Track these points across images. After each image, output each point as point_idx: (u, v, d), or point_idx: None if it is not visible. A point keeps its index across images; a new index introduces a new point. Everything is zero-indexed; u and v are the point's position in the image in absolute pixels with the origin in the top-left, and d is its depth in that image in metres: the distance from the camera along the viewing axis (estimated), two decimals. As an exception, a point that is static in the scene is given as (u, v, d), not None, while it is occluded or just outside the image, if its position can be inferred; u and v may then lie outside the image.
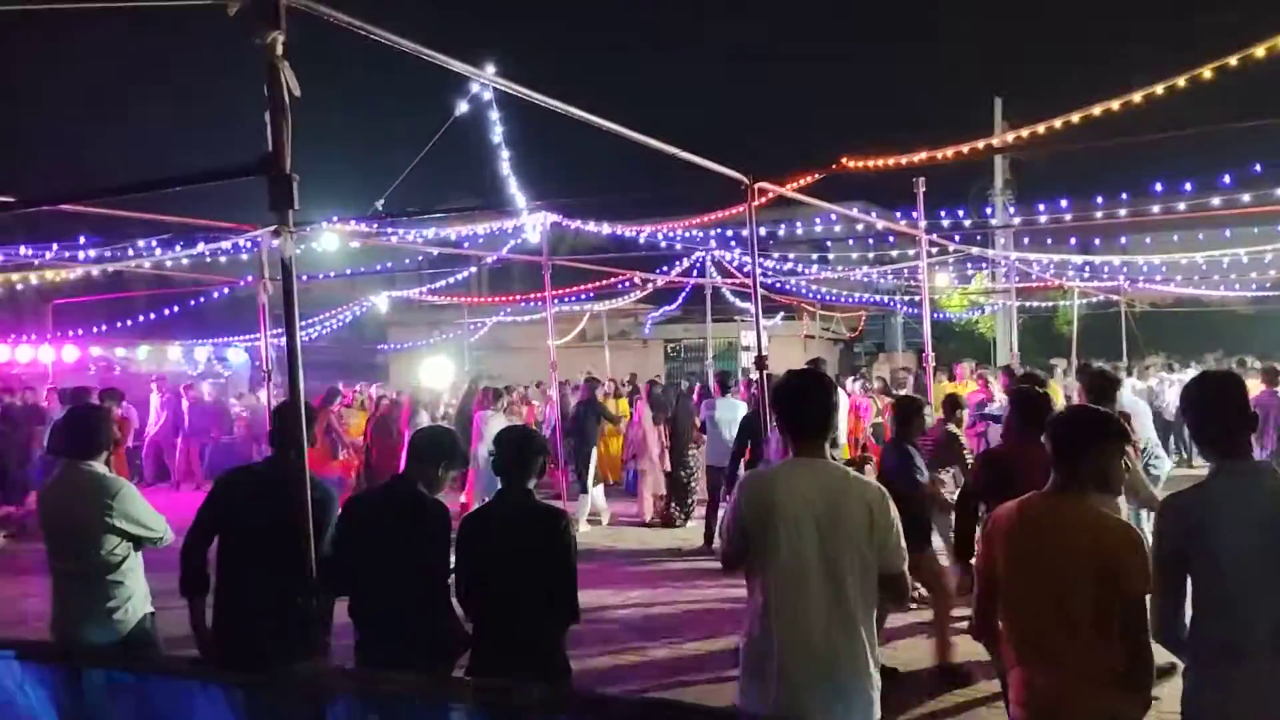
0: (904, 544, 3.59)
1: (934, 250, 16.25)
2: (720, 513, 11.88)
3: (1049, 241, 22.23)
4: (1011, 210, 25.17)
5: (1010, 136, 10.60)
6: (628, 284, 21.50)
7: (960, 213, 16.24)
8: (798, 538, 3.50)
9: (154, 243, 13.26)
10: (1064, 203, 15.76)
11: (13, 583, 10.36)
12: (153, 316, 19.52)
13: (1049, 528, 3.45)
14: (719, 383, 12.47)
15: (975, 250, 18.59)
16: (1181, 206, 13.95)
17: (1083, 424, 3.58)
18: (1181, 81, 8.10)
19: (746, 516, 3.62)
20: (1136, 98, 8.30)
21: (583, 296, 22.57)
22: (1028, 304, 27.69)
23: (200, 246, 12.76)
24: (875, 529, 3.50)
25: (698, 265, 19.74)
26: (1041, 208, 16.35)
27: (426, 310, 30.84)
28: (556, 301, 16.73)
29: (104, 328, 20.19)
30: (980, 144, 10.23)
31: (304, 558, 3.76)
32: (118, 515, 4.82)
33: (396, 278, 26.69)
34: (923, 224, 11.32)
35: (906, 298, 27.54)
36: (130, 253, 13.65)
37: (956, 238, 17.13)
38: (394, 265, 21.56)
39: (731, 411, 11.59)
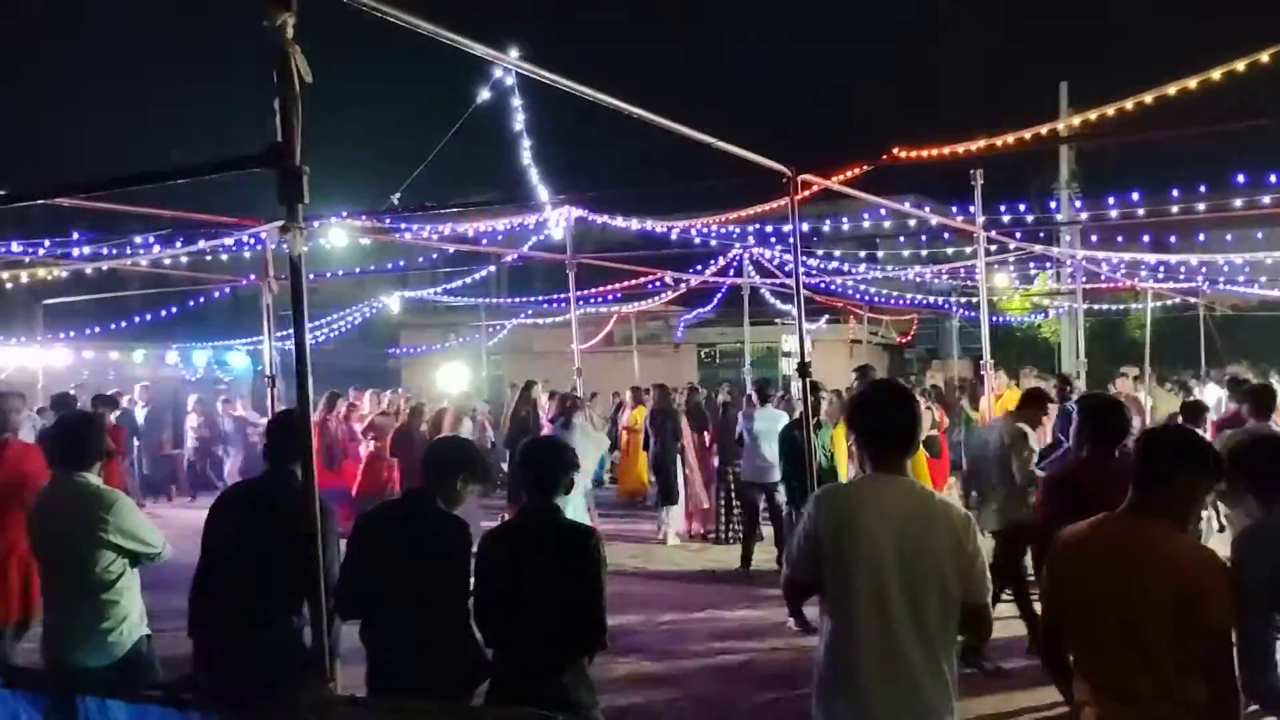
0: (988, 575, 3.57)
1: (993, 248, 16.14)
2: (757, 533, 11.87)
3: (1119, 239, 21.99)
4: (1078, 204, 24.95)
5: (1077, 122, 10.53)
6: (658, 284, 21.52)
7: (1022, 207, 16.13)
8: (880, 561, 3.47)
9: (151, 239, 13.42)
10: (1136, 196, 15.61)
11: None
12: (149, 318, 19.73)
13: (1122, 552, 3.41)
14: (758, 392, 12.45)
15: (1038, 248, 18.41)
16: (1266, 200, 13.78)
17: (1177, 449, 3.53)
18: (1265, 57, 8.02)
19: (823, 535, 3.58)
20: (1215, 75, 8.23)
21: (610, 297, 22.61)
22: (1096, 307, 27.44)
23: (201, 243, 12.90)
24: (961, 555, 3.47)
25: (735, 264, 19.72)
26: (1111, 201, 16.22)
27: (441, 312, 30.94)
28: (581, 303, 16.77)
29: (97, 330, 20.42)
30: (1044, 130, 10.16)
31: (311, 578, 3.80)
32: (113, 530, 4.87)
33: (409, 277, 26.79)
34: (980, 219, 11.24)
35: (963, 300, 27.36)
36: (127, 250, 13.79)
37: (1018, 234, 17.02)
38: (407, 264, 21.70)
39: (772, 423, 11.55)
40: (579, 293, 13.43)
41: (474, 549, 4.40)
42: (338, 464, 14.56)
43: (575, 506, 12.12)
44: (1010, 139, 9.60)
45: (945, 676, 3.47)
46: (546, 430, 12.74)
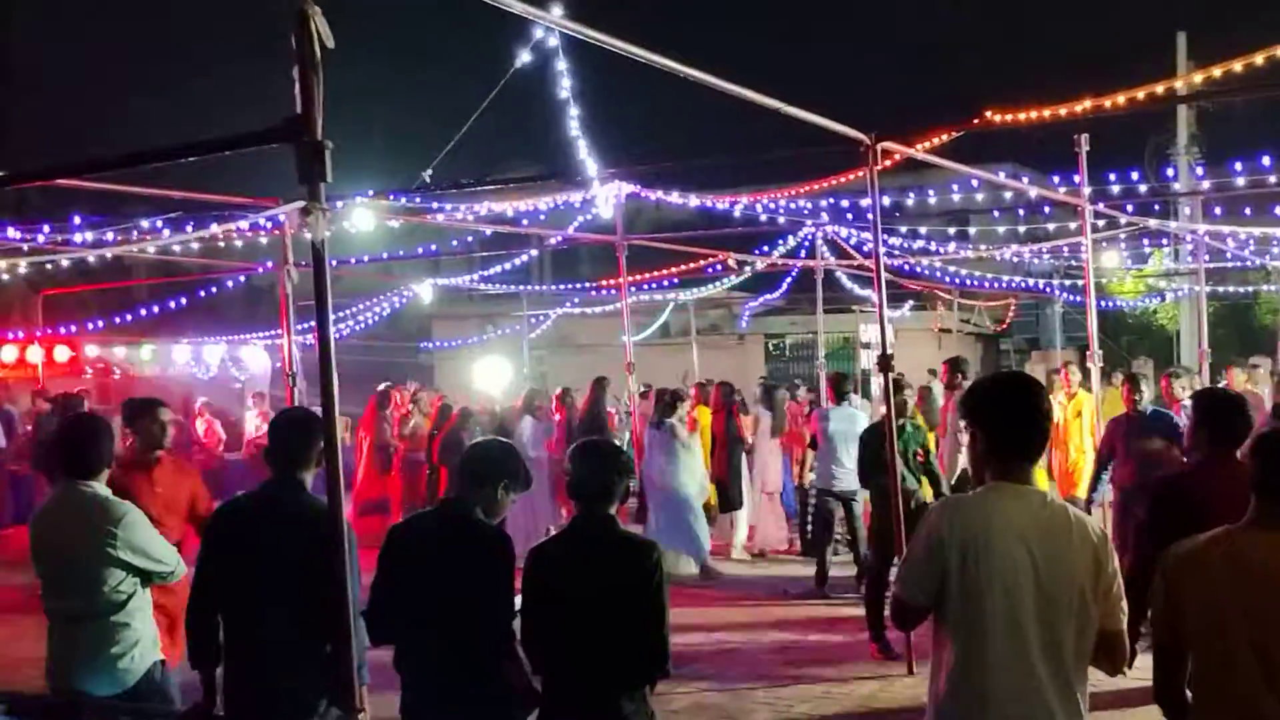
0: (1125, 599, 3.56)
1: (1101, 223, 15.90)
2: (831, 548, 11.82)
3: (1247, 211, 21.61)
4: (1199, 172, 24.51)
5: (1198, 79, 10.36)
6: (720, 267, 21.46)
7: (1134, 176, 15.89)
8: (1014, 582, 3.47)
9: (159, 223, 13.62)
10: (1267, 161, 15.31)
11: (2, 624, 10.70)
12: (157, 310, 20.04)
13: (1253, 569, 3.42)
14: (833, 388, 12.40)
15: (1153, 223, 18.10)
16: None
17: None
18: None
19: (949, 553, 3.55)
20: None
21: (665, 283, 22.59)
22: (1220, 289, 26.97)
23: (213, 227, 13.07)
24: (1101, 575, 3.49)
25: (806, 244, 19.61)
26: (1238, 167, 15.91)
27: (478, 301, 31.12)
28: (633, 289, 16.78)
29: (101, 323, 20.81)
30: (1159, 89, 10.00)
31: (335, 601, 3.86)
32: (122, 545, 4.94)
33: (443, 263, 26.98)
34: (1086, 191, 11.08)
35: (1067, 282, 27.01)
36: (132, 235, 14.02)
37: (1129, 207, 16.76)
38: (440, 248, 21.82)
39: (849, 423, 11.48)
40: (631, 278, 13.44)
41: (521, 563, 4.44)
42: (391, 469, 14.88)
43: (697, 514, 12.32)
44: (1120, 99, 9.44)
45: (1080, 709, 3.49)
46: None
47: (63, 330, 20.28)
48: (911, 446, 9.32)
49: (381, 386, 16.00)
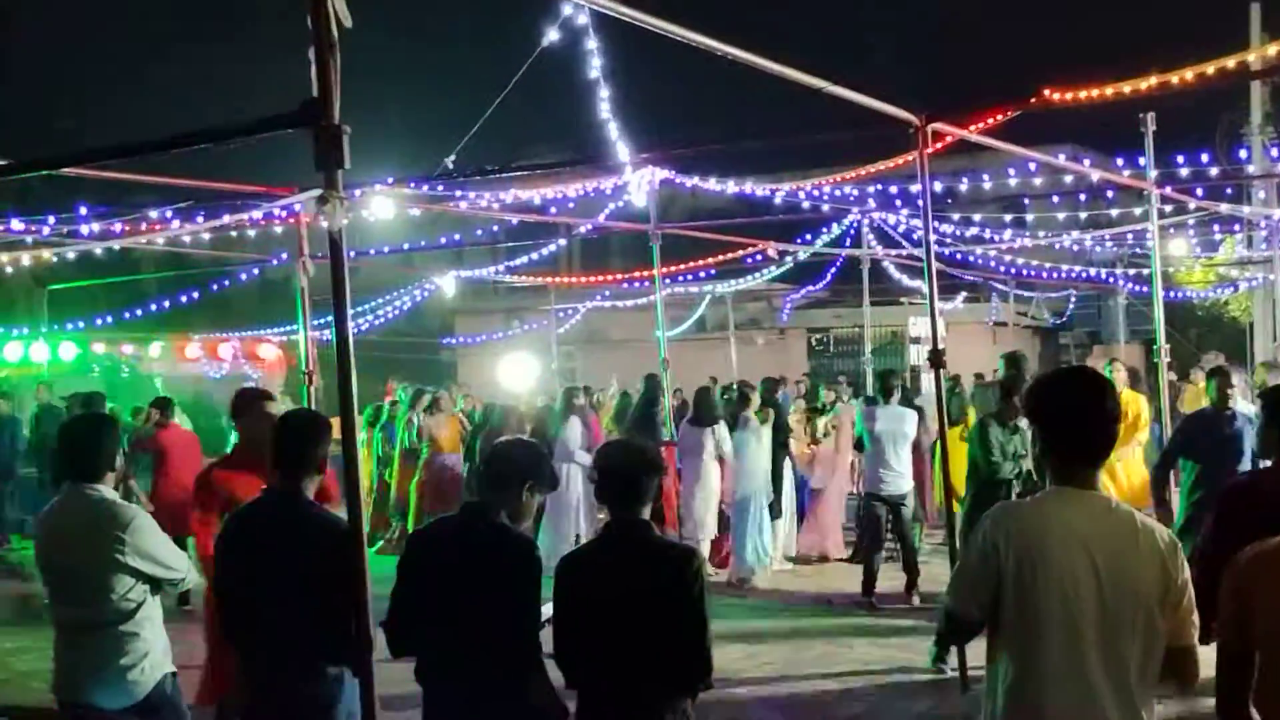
0: (1196, 611, 3.53)
1: (1168, 208, 15.79)
2: (881, 554, 11.78)
3: (1327, 194, 21.43)
4: (1275, 153, 24.29)
5: (1272, 51, 10.26)
6: (759, 257, 21.45)
7: (1204, 158, 15.76)
8: (1074, 593, 3.44)
9: (169, 213, 13.70)
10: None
11: (6, 635, 10.82)
12: (167, 304, 20.22)
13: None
14: (882, 385, 12.37)
15: (1224, 207, 17.96)
16: None
17: None
18: None
19: (1004, 562, 3.52)
20: None
21: (701, 274, 22.61)
22: (1297, 278, 26.73)
23: (225, 217, 13.16)
24: (1170, 588, 3.46)
25: (851, 232, 19.56)
26: (1316, 149, 15.76)
27: (503, 294, 31.22)
28: (668, 281, 16.80)
29: (109, 319, 21.01)
30: (1231, 63, 9.92)
31: (346, 613, 3.89)
32: (130, 551, 4.96)
33: (466, 254, 27.08)
34: (1153, 174, 11.00)
35: (1131, 272, 26.81)
36: (140, 226, 14.13)
37: (1198, 191, 16.64)
38: (463, 238, 21.92)
39: (897, 423, 11.46)
40: (665, 269, 13.44)
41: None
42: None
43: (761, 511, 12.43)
44: (1189, 75, 9.37)
45: None
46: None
47: (69, 326, 20.48)
48: (1018, 448, 9.22)
49: (413, 389, 16.07)
